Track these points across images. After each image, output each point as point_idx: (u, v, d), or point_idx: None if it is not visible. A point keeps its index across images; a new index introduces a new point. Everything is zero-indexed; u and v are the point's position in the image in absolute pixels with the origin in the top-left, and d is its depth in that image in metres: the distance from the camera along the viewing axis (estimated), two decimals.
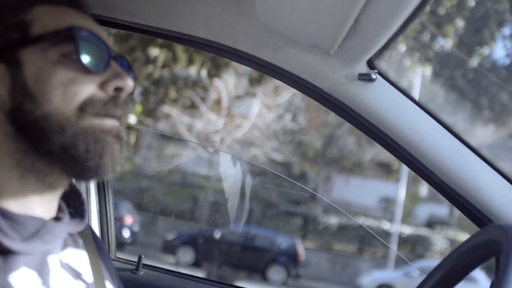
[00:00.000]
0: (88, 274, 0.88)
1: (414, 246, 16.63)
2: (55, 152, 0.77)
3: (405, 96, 1.17)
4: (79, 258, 0.88)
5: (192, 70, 11.72)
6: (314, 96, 1.23)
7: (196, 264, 12.78)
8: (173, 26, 1.17)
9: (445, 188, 1.17)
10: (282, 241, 13.39)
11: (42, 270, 0.77)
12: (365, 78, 1.17)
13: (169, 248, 13.25)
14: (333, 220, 17.16)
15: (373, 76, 1.16)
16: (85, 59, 0.79)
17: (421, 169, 1.18)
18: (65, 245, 0.86)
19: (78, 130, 0.77)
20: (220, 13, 1.14)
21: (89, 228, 0.98)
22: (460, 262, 0.97)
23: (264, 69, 1.22)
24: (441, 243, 16.80)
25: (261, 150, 15.78)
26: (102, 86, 0.81)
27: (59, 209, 0.89)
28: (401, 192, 16.26)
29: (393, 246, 15.45)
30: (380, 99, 1.18)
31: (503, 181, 1.13)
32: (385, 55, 1.17)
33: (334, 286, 14.53)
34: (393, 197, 17.05)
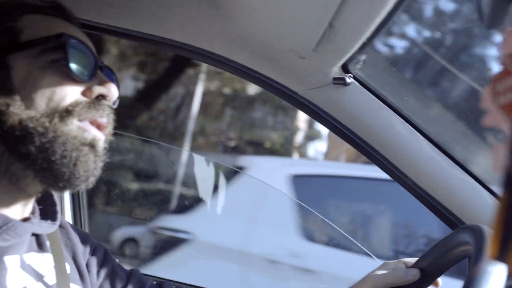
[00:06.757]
0: (51, 276, 0.87)
1: None
2: (31, 155, 0.78)
3: (379, 100, 1.18)
4: (43, 261, 0.87)
5: None
6: (289, 99, 1.23)
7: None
8: (148, 29, 1.17)
9: (419, 191, 1.18)
10: None
11: None
12: (339, 82, 1.17)
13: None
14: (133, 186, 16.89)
15: (348, 80, 1.17)
16: (73, 66, 0.82)
17: (395, 171, 1.19)
18: (29, 249, 0.86)
19: (59, 134, 0.79)
20: (196, 16, 1.13)
21: (58, 230, 0.96)
22: (432, 264, 0.98)
23: (240, 72, 1.22)
24: None
25: None
26: (86, 92, 0.84)
27: (32, 211, 0.89)
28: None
29: None
30: (354, 103, 1.19)
31: (474, 183, 1.14)
32: (360, 59, 1.18)
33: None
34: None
